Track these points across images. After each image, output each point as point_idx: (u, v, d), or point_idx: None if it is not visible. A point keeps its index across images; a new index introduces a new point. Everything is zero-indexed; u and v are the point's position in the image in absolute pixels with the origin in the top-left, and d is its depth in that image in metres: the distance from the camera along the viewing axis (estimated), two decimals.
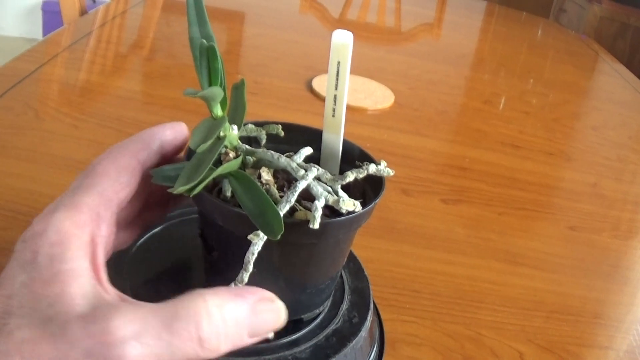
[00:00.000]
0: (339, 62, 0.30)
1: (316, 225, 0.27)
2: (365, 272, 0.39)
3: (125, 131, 0.63)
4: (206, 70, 0.29)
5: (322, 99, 0.80)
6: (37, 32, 2.95)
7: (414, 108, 0.85)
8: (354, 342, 0.33)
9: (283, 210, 0.27)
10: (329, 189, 0.30)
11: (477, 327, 0.45)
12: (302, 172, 0.29)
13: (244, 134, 0.34)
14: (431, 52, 1.20)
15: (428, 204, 0.61)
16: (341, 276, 0.38)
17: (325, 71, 0.88)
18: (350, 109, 0.80)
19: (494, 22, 1.64)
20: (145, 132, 0.31)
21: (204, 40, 0.28)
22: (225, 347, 0.25)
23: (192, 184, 0.25)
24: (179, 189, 0.25)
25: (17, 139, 0.57)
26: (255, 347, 0.28)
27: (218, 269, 0.32)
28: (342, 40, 0.29)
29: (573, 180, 0.73)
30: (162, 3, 1.12)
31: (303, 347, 0.32)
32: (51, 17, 2.78)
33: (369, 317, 0.36)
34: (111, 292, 0.25)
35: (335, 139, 0.33)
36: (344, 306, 0.35)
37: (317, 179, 0.30)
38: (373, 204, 0.30)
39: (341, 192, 0.30)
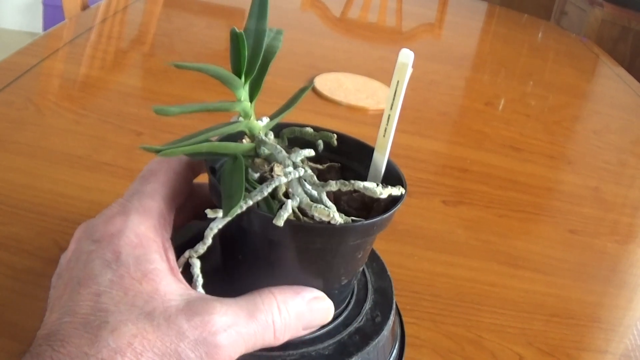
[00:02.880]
0: (397, 82, 0.30)
1: (280, 222, 0.26)
2: (389, 273, 0.39)
3: (126, 127, 0.63)
4: (234, 56, 0.29)
5: (324, 98, 0.80)
6: (37, 26, 2.94)
7: (416, 109, 0.85)
8: (376, 340, 0.33)
9: (253, 199, 0.27)
10: (314, 193, 0.29)
11: (477, 329, 0.45)
12: (290, 169, 0.29)
13: (298, 135, 0.34)
14: (432, 52, 1.20)
15: (429, 205, 0.61)
16: (365, 275, 0.38)
17: (328, 70, 0.89)
18: (351, 108, 0.80)
19: (495, 23, 1.64)
20: None
21: (235, 27, 0.28)
22: (287, 337, 0.29)
23: (166, 148, 0.26)
24: (147, 146, 0.26)
25: (17, 134, 0.57)
26: None
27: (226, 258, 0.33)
28: (404, 60, 0.29)
29: (574, 183, 0.73)
30: None
31: (326, 343, 0.32)
32: (52, 11, 2.77)
33: (392, 317, 0.36)
34: (192, 289, 0.27)
35: (380, 158, 0.33)
36: (367, 305, 0.36)
37: (304, 180, 0.29)
38: (365, 222, 0.28)
39: (325, 200, 0.29)
